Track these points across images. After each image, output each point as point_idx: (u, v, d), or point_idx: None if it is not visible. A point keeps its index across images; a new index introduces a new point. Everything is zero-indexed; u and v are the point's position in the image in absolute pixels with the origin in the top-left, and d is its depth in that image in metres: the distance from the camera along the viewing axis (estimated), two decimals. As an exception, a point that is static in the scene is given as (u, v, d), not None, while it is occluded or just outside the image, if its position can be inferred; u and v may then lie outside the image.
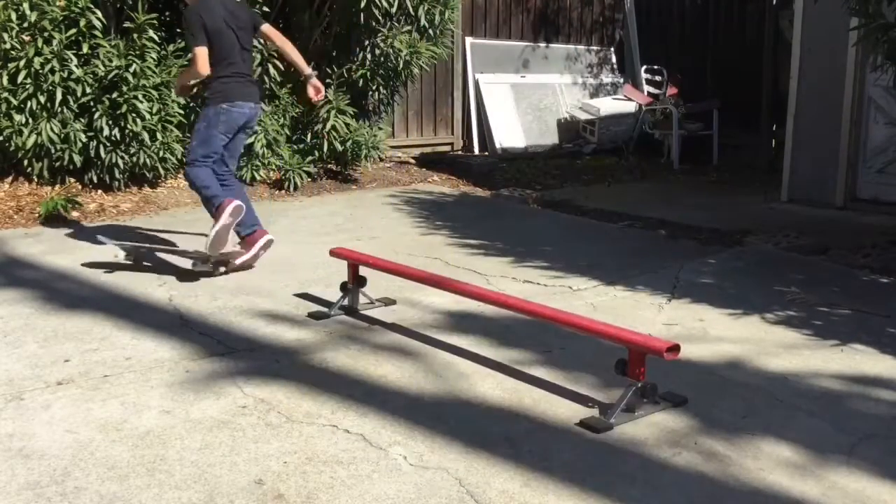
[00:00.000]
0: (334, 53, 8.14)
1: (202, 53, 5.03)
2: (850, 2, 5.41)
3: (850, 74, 7.28)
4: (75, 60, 6.56)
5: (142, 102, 6.59)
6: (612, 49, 11.62)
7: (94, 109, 6.63)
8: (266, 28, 5.43)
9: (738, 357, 3.96)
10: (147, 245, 5.51)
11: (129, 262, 5.17)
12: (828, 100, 7.44)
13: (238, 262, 5.09)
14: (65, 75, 6.51)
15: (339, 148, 7.83)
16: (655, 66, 10.99)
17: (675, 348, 3.21)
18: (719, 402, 3.45)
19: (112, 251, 5.26)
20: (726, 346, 4.08)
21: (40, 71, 6.41)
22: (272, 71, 7.32)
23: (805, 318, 4.50)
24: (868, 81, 7.22)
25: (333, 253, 4.59)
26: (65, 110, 6.58)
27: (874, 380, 3.72)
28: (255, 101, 5.30)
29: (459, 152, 10.16)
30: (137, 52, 6.67)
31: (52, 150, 6.56)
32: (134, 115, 6.59)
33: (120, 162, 6.73)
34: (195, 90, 5.89)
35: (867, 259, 5.70)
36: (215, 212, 5.07)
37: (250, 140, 7.39)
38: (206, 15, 5.07)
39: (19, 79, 6.40)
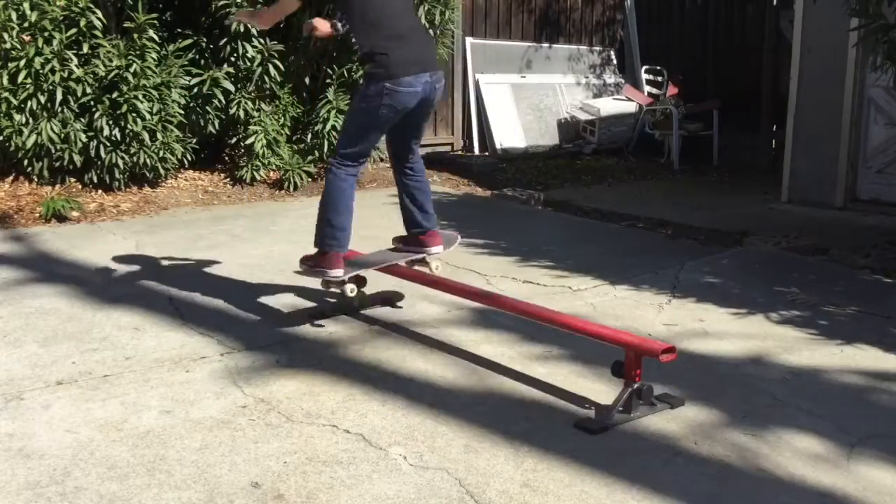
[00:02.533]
0: (335, 53, 8.14)
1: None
2: (851, 2, 5.41)
3: (850, 75, 7.29)
4: (75, 60, 6.56)
5: (142, 102, 6.59)
6: (613, 49, 11.61)
7: (94, 109, 6.63)
8: None
9: (737, 357, 3.96)
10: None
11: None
12: (828, 100, 7.44)
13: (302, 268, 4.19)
14: (65, 75, 6.51)
15: (340, 148, 7.82)
16: (656, 67, 11.00)
17: (671, 350, 3.22)
18: (719, 402, 3.45)
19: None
20: (726, 347, 4.08)
21: (40, 71, 6.41)
22: (272, 71, 7.32)
23: (806, 319, 4.50)
24: (868, 82, 7.22)
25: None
26: (65, 110, 6.59)
27: (876, 380, 3.72)
28: (431, 71, 3.97)
29: (459, 152, 10.16)
30: (137, 52, 6.67)
31: (53, 150, 6.56)
32: (134, 114, 6.59)
33: (120, 162, 6.73)
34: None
35: (867, 259, 5.70)
36: (320, 255, 4.07)
37: (250, 140, 7.40)
38: None
39: (19, 79, 6.40)
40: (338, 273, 4.01)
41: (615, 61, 11.60)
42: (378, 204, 7.43)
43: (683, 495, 2.75)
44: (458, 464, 2.90)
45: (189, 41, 7.20)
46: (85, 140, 6.62)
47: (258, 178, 7.60)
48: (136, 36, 6.69)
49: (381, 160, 8.95)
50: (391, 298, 4.58)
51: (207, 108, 7.19)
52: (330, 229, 4.00)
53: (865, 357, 3.99)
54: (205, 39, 7.37)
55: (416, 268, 4.39)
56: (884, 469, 2.94)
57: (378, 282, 4.59)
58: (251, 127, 7.41)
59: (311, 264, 4.10)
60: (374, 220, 6.73)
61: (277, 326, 4.25)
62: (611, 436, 3.15)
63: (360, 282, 4.47)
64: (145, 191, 7.10)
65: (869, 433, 3.20)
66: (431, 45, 4.11)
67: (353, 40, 4.08)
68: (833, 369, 3.84)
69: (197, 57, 7.30)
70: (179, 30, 7.40)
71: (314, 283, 4.95)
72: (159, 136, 6.79)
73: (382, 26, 3.88)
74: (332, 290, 4.19)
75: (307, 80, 8.07)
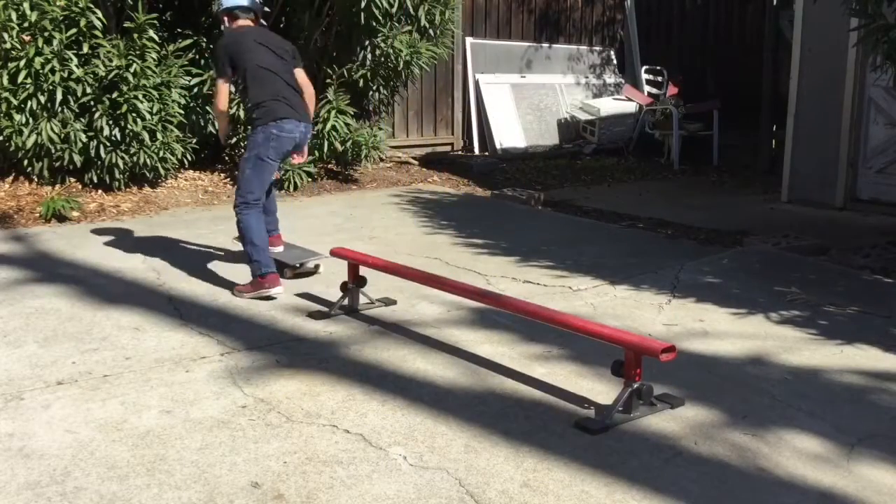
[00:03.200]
0: (334, 53, 8.15)
1: (223, 88, 4.85)
2: (851, 2, 5.41)
3: (850, 75, 7.29)
4: (75, 60, 6.56)
5: (142, 102, 6.59)
6: (613, 49, 11.62)
7: (94, 109, 6.63)
8: (300, 73, 5.01)
9: (737, 357, 3.96)
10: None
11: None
12: (828, 100, 7.45)
13: (239, 294, 4.71)
14: (65, 75, 6.51)
15: (340, 148, 7.83)
16: (656, 67, 11.00)
17: (671, 349, 3.22)
18: (719, 402, 3.45)
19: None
20: (726, 347, 4.08)
21: (40, 71, 6.41)
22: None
23: (806, 319, 4.50)
24: (868, 82, 7.23)
25: (334, 253, 4.59)
26: (65, 110, 6.59)
27: (876, 380, 3.72)
28: (306, 122, 4.91)
29: (460, 152, 10.16)
30: (137, 52, 6.67)
31: (53, 150, 6.56)
32: (134, 114, 6.59)
33: (120, 162, 6.73)
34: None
35: (867, 259, 5.70)
36: (254, 279, 4.69)
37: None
38: (232, 44, 4.83)
39: (19, 79, 6.40)
40: (279, 289, 4.66)
41: (615, 61, 11.61)
42: (378, 204, 7.44)
43: (683, 495, 2.75)
44: (458, 464, 2.90)
45: (189, 41, 7.20)
46: (85, 140, 6.62)
47: (258, 178, 7.59)
48: (136, 36, 6.69)
49: (381, 160, 8.96)
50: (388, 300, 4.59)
51: (207, 108, 7.19)
52: (257, 259, 4.69)
53: (865, 357, 3.99)
54: (205, 39, 7.38)
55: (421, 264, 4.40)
56: (883, 469, 2.94)
57: (378, 282, 4.59)
58: (251, 127, 7.41)
59: (252, 289, 4.69)
60: (374, 220, 6.74)
61: (277, 326, 4.25)
62: (611, 436, 3.15)
63: (361, 282, 4.47)
64: (145, 191, 7.10)
65: (869, 433, 3.20)
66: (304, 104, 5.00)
67: (247, 99, 4.94)
68: (833, 369, 3.84)
69: (197, 57, 7.31)
70: (179, 30, 7.41)
71: (314, 283, 4.96)
72: (159, 136, 6.80)
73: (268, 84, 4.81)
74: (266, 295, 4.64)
75: (307, 81, 8.06)
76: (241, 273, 5.12)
